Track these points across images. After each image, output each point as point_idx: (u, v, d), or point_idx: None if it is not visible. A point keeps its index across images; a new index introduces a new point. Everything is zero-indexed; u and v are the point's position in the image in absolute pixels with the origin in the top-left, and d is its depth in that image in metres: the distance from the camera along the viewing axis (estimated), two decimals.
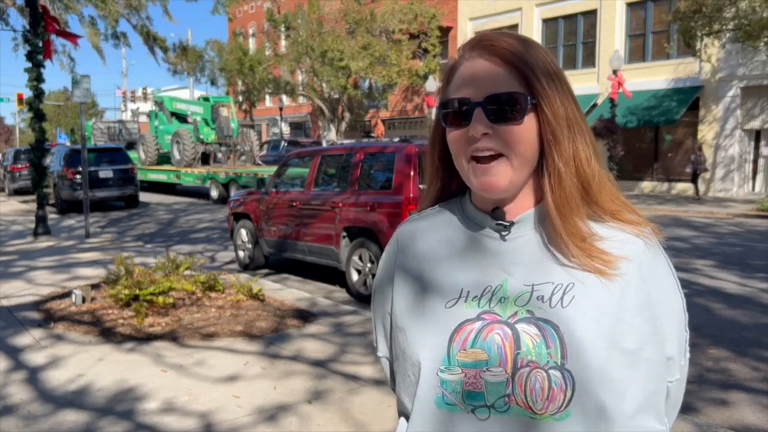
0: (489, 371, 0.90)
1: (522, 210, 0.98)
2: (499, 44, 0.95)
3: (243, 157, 23.53)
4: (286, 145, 26.13)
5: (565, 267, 0.94)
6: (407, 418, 1.04)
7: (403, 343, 1.01)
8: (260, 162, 23.44)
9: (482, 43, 0.97)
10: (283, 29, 28.86)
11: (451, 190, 1.08)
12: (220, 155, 23.18)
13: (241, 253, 9.04)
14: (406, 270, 1.06)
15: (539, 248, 0.97)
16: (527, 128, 0.93)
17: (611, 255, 0.93)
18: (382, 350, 1.13)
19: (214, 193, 19.85)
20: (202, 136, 23.06)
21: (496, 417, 0.90)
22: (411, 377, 0.99)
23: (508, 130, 0.93)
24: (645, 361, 0.92)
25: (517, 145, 0.93)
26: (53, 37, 11.89)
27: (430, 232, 1.06)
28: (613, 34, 22.20)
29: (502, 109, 0.92)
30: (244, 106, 31.57)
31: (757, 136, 19.62)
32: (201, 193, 22.12)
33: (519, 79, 0.93)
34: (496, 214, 0.99)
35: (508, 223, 0.98)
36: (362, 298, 7.03)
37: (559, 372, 0.88)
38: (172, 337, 5.14)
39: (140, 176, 20.14)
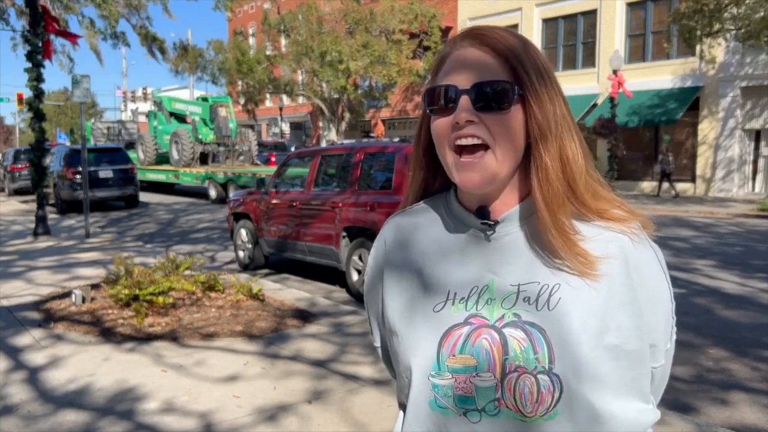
0: (478, 376, 0.91)
1: (507, 207, 0.98)
2: (490, 35, 0.95)
3: (241, 157, 23.56)
4: None
5: (551, 267, 0.94)
6: (404, 409, 1.06)
7: (396, 346, 1.02)
8: (258, 162, 23.48)
9: (473, 34, 0.96)
10: (282, 29, 28.82)
11: (435, 186, 1.08)
12: (218, 155, 23.22)
13: (241, 253, 9.04)
14: (394, 271, 1.06)
15: (525, 247, 0.96)
16: (513, 119, 0.92)
17: (592, 256, 0.92)
18: (378, 341, 1.15)
19: (213, 193, 19.87)
20: (200, 136, 23.09)
21: (487, 420, 0.92)
22: (405, 379, 1.00)
23: (494, 118, 0.92)
24: (627, 352, 0.92)
25: (502, 136, 0.92)
26: (53, 37, 11.88)
27: (417, 231, 1.06)
28: (613, 34, 22.20)
29: (489, 98, 0.91)
30: (248, 106, 31.48)
31: (757, 136, 19.62)
32: (200, 193, 22.13)
33: (508, 70, 0.93)
34: (480, 213, 0.98)
35: (492, 223, 0.97)
36: (362, 298, 7.00)
37: (546, 376, 0.89)
38: (172, 337, 5.14)
39: (139, 176, 20.17)
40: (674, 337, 1.02)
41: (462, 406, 0.92)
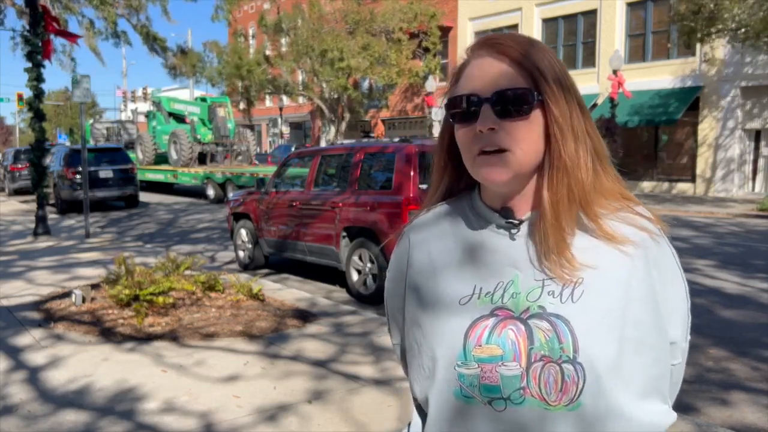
0: (504, 366, 0.94)
1: (530, 207, 1.01)
2: (507, 43, 0.98)
3: (240, 157, 23.60)
4: None
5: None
6: (420, 407, 1.09)
7: (420, 338, 1.05)
8: (257, 162, 23.51)
9: (490, 42, 1.00)
10: (282, 29, 28.79)
11: (459, 188, 1.11)
12: (217, 155, 23.24)
13: (241, 253, 9.04)
14: (419, 267, 1.09)
15: (542, 246, 0.99)
16: (533, 124, 0.96)
17: (577, 264, 0.95)
18: (396, 338, 1.18)
19: (211, 193, 19.90)
20: (199, 136, 23.12)
21: (512, 408, 0.94)
22: (425, 370, 1.03)
23: (515, 125, 0.95)
24: (648, 347, 0.95)
25: (522, 141, 0.95)
26: (53, 36, 11.87)
27: (441, 228, 1.09)
28: (613, 34, 22.20)
29: (509, 105, 0.95)
30: (242, 106, 31.51)
31: (757, 136, 19.61)
32: (200, 193, 22.13)
33: (526, 77, 0.96)
34: (505, 213, 1.02)
35: (517, 221, 1.01)
36: (362, 298, 7.02)
37: (571, 365, 0.92)
38: (172, 337, 5.14)
39: (138, 176, 20.18)
40: (689, 337, 1.06)
41: (487, 395, 0.95)
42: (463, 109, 0.98)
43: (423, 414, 1.08)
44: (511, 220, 1.01)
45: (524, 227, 1.01)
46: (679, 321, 1.01)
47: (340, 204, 7.29)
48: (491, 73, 0.97)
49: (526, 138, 0.95)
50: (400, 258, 1.14)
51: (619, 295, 0.95)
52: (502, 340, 0.95)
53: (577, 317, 0.93)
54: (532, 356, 0.93)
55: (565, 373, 0.91)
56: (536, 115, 0.96)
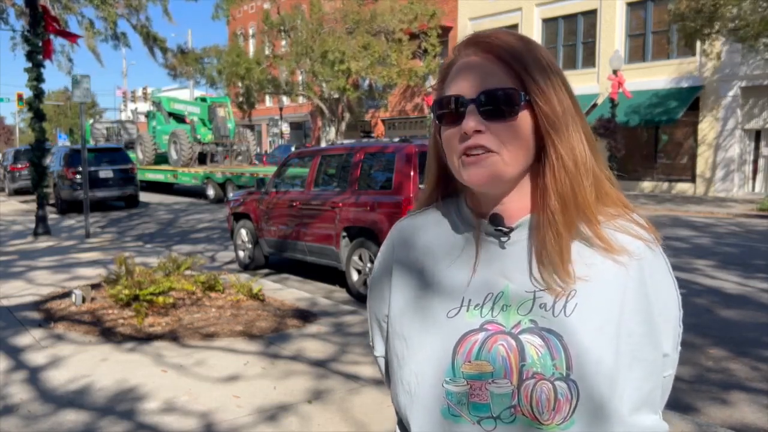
0: (494, 383, 0.90)
1: (521, 214, 0.96)
2: (492, 41, 0.94)
3: (240, 157, 23.61)
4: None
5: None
6: (403, 424, 1.03)
7: (403, 351, 0.99)
8: (256, 162, 23.53)
9: (476, 40, 0.96)
10: (282, 29, 28.80)
11: (449, 191, 1.06)
12: (217, 155, 23.26)
13: (241, 253, 9.04)
14: (403, 273, 1.04)
15: (539, 254, 0.95)
16: (521, 125, 0.92)
17: (573, 275, 0.91)
18: (379, 350, 1.12)
19: (211, 193, 19.92)
20: (199, 137, 23.15)
21: (502, 427, 0.90)
22: (405, 385, 0.98)
23: (501, 127, 0.91)
24: (641, 361, 0.92)
25: (509, 143, 0.91)
26: (53, 36, 11.87)
27: (428, 235, 1.04)
28: (613, 34, 22.21)
29: (496, 106, 0.91)
30: (244, 107, 31.53)
31: (757, 136, 19.62)
32: (200, 193, 22.14)
33: (513, 76, 0.92)
34: (494, 220, 0.96)
35: (507, 229, 0.96)
36: (362, 298, 7.02)
37: (564, 383, 0.88)
38: (172, 337, 5.14)
39: (138, 176, 20.18)
40: (679, 348, 1.02)
41: (476, 414, 0.91)
42: (449, 110, 0.94)
43: (405, 430, 1.02)
44: (500, 228, 0.96)
45: (515, 235, 0.96)
46: (670, 330, 0.97)
47: (340, 204, 7.29)
48: (477, 72, 0.93)
49: (513, 140, 0.91)
50: (385, 262, 1.08)
51: (614, 309, 0.91)
52: (493, 356, 0.90)
53: (570, 333, 0.89)
54: (523, 373, 0.88)
55: (558, 391, 0.87)
56: (524, 115, 0.91)
